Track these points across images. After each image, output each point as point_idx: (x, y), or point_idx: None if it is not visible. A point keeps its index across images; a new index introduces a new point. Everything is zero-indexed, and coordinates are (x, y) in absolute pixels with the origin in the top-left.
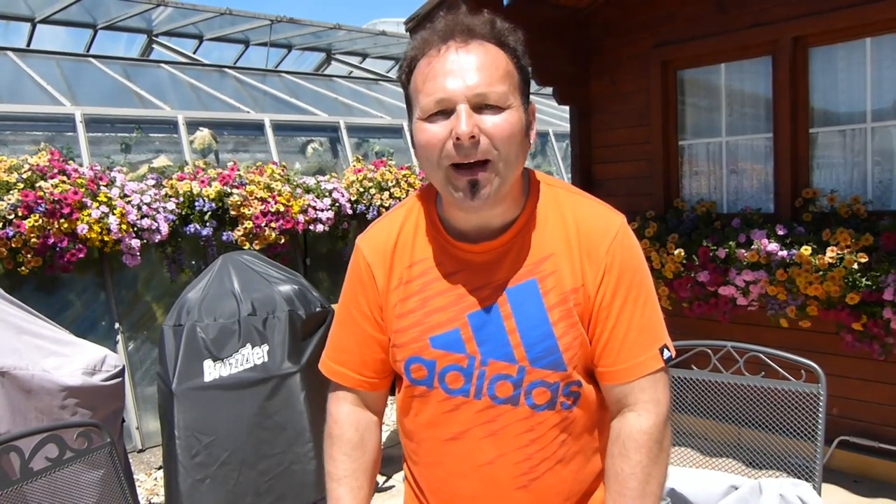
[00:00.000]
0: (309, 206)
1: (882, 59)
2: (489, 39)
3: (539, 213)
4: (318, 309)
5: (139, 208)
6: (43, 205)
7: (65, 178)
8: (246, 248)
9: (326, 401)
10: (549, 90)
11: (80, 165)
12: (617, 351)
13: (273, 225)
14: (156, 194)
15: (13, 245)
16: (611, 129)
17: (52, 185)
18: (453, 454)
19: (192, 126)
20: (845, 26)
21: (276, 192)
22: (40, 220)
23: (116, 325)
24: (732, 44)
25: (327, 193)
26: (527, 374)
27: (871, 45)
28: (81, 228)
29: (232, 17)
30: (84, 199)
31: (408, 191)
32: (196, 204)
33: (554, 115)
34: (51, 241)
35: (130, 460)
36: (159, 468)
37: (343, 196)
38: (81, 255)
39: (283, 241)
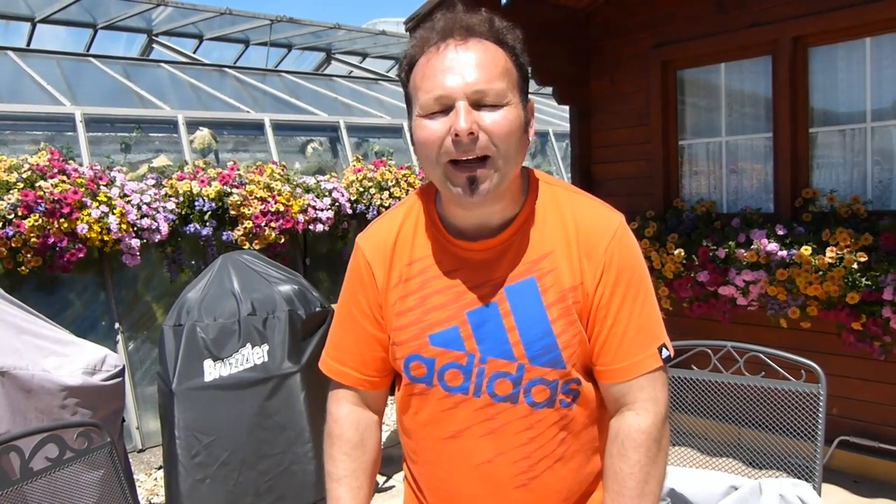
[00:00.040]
0: (309, 205)
1: (882, 58)
2: (488, 37)
3: (538, 212)
4: (318, 309)
5: (139, 208)
6: (43, 204)
7: (65, 177)
8: (246, 247)
9: (326, 401)
10: (548, 90)
11: (80, 165)
12: (615, 349)
13: (273, 225)
14: (156, 194)
15: (13, 245)
16: (611, 129)
17: (51, 185)
18: (452, 452)
19: (192, 126)
20: (845, 26)
21: (275, 192)
22: (40, 220)
23: (116, 325)
24: (732, 44)
25: (327, 193)
26: (526, 371)
27: (870, 45)
28: (81, 228)
29: (232, 17)
30: (84, 199)
31: (407, 190)
32: (196, 204)
33: (554, 115)
34: (51, 240)
35: (130, 460)
36: (159, 468)
37: (343, 196)
38: (81, 255)
39: (282, 240)
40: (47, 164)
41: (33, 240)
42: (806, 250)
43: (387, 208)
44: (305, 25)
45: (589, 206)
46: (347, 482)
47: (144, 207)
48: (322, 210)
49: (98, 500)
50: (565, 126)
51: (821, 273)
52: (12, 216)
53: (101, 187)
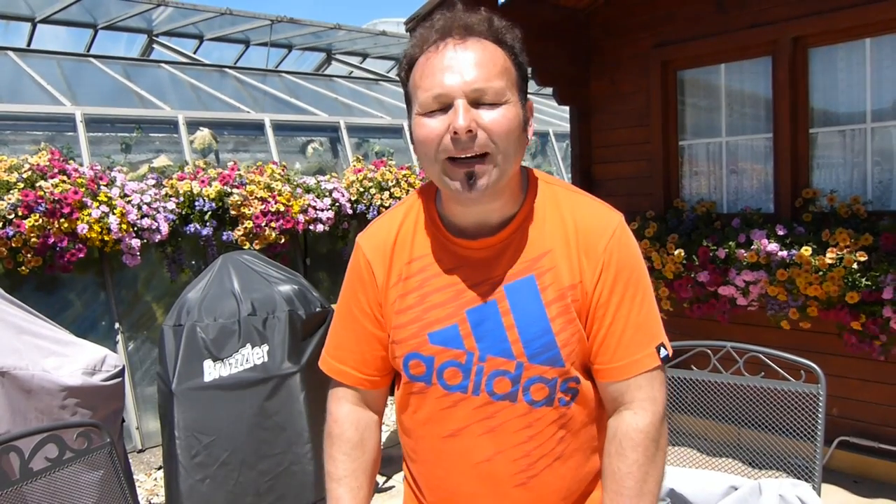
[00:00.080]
0: (309, 205)
1: (882, 59)
2: (487, 36)
3: (537, 210)
4: (318, 309)
5: (139, 208)
6: (43, 204)
7: (65, 177)
8: (246, 247)
9: (326, 401)
10: (548, 90)
11: (81, 165)
12: (613, 348)
13: (273, 225)
14: (156, 194)
15: (13, 245)
16: (611, 129)
17: (52, 185)
18: (451, 451)
19: (193, 126)
20: (845, 26)
21: (276, 192)
22: (40, 220)
23: (116, 325)
24: (732, 44)
25: (327, 193)
26: (525, 370)
27: (870, 46)
28: (81, 228)
29: (232, 17)
30: (84, 199)
31: (408, 191)
32: (196, 204)
33: (554, 115)
34: (51, 240)
35: (130, 460)
36: (159, 468)
37: (343, 196)
38: (81, 255)
39: (283, 240)
40: (47, 164)
41: (33, 240)
42: (806, 250)
43: (387, 208)
44: (306, 26)
45: (588, 206)
46: (347, 482)
47: (145, 207)
48: (322, 210)
49: (98, 500)
50: (565, 126)
51: (821, 273)
52: (12, 216)
53: (102, 187)
